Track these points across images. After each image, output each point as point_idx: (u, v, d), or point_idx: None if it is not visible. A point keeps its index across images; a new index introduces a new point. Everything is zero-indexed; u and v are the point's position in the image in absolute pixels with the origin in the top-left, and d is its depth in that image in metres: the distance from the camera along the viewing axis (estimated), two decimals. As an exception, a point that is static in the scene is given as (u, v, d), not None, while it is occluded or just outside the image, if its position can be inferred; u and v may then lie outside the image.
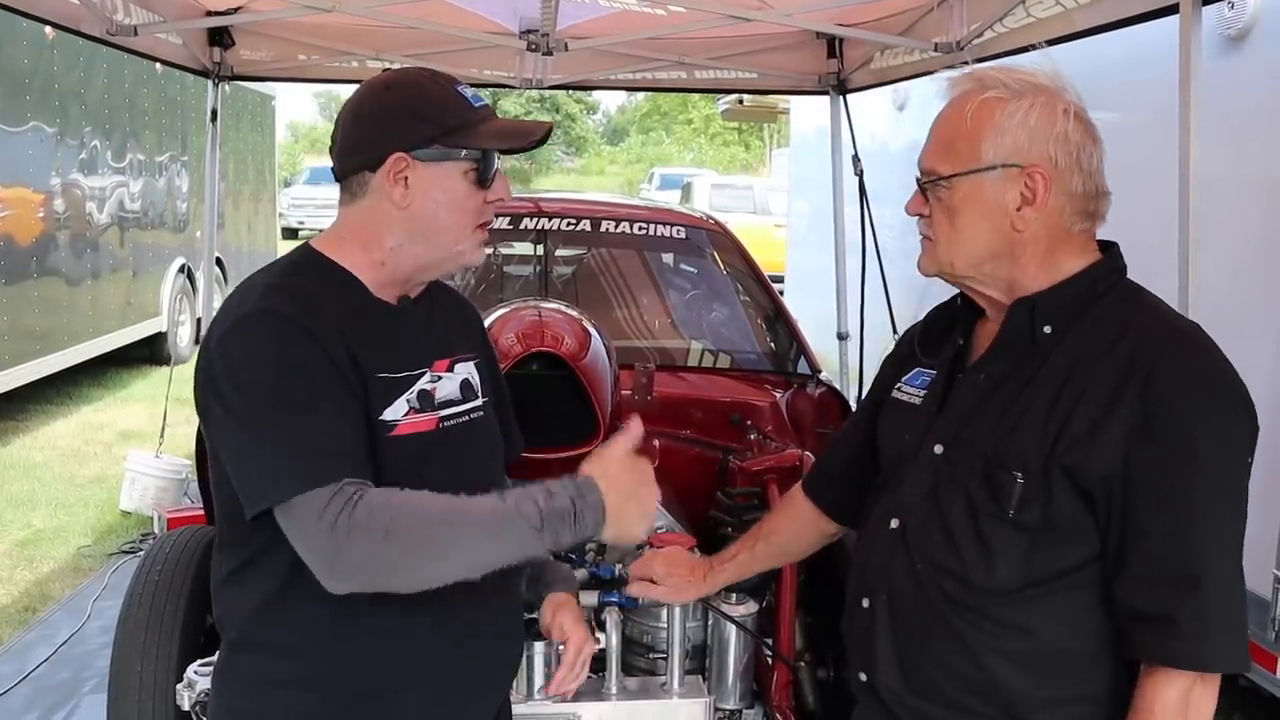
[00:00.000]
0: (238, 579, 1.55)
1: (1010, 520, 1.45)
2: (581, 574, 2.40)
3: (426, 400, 1.57)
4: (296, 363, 1.42)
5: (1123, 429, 1.38)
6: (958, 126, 1.48)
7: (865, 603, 1.61)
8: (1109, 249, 1.55)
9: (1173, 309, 1.53)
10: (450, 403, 1.61)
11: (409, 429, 1.53)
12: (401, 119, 1.51)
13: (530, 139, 1.59)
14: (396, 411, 1.52)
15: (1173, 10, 2.91)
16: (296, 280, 1.53)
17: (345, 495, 1.36)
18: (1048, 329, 1.50)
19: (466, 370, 1.65)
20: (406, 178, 1.51)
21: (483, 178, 1.55)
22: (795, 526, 1.95)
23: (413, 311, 1.61)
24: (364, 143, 1.53)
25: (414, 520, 1.38)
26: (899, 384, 1.70)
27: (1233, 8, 3.53)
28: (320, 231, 1.65)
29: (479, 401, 1.66)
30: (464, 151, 1.53)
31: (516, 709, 2.12)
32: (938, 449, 1.54)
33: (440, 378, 1.60)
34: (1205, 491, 1.38)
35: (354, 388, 1.47)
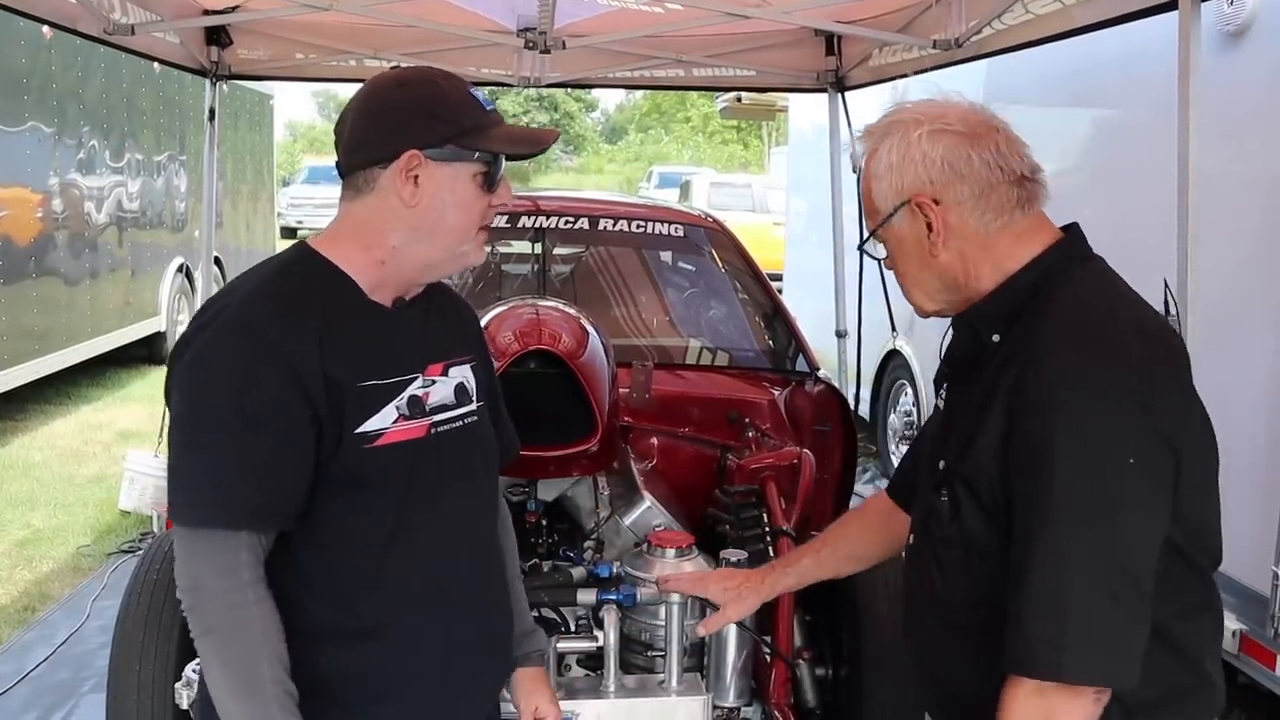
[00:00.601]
0: None
1: (942, 538, 1.46)
2: (579, 572, 2.41)
3: (417, 406, 1.55)
4: (258, 390, 1.41)
5: (995, 434, 1.36)
6: (863, 187, 1.54)
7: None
8: (1066, 232, 1.49)
9: (1111, 293, 1.44)
10: (444, 407, 1.59)
11: (397, 436, 1.51)
12: (416, 116, 1.50)
13: (540, 146, 1.61)
14: (384, 420, 1.50)
15: (1171, 6, 2.91)
16: (287, 286, 1.51)
17: (233, 584, 1.41)
18: (995, 336, 1.47)
19: (461, 374, 1.64)
20: (417, 176, 1.49)
21: (490, 181, 1.55)
22: (866, 530, 1.94)
23: (408, 315, 1.59)
24: (375, 138, 1.51)
25: (232, 658, 1.42)
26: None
27: (1231, 4, 3.52)
28: (319, 230, 1.64)
29: (473, 406, 1.65)
30: (476, 154, 1.52)
31: (511, 709, 2.12)
32: (941, 464, 1.52)
33: (434, 382, 1.58)
34: (1054, 494, 1.30)
35: (322, 412, 1.45)
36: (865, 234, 1.55)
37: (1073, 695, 1.30)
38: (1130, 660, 1.30)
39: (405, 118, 1.50)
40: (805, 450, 2.93)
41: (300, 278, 1.52)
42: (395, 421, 1.51)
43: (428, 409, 1.56)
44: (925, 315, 1.58)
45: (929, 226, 1.46)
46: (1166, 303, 1.59)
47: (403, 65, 5.15)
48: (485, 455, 1.69)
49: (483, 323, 2.67)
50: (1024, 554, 1.33)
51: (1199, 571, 1.44)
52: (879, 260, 1.58)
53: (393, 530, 1.52)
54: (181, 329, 10.14)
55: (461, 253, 1.58)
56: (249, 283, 1.52)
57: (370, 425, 1.49)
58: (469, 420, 1.63)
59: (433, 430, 1.56)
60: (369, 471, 1.49)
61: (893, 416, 6.43)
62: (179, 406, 1.45)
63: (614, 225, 3.86)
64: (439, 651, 1.58)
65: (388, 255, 1.54)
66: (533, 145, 1.59)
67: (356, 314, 1.52)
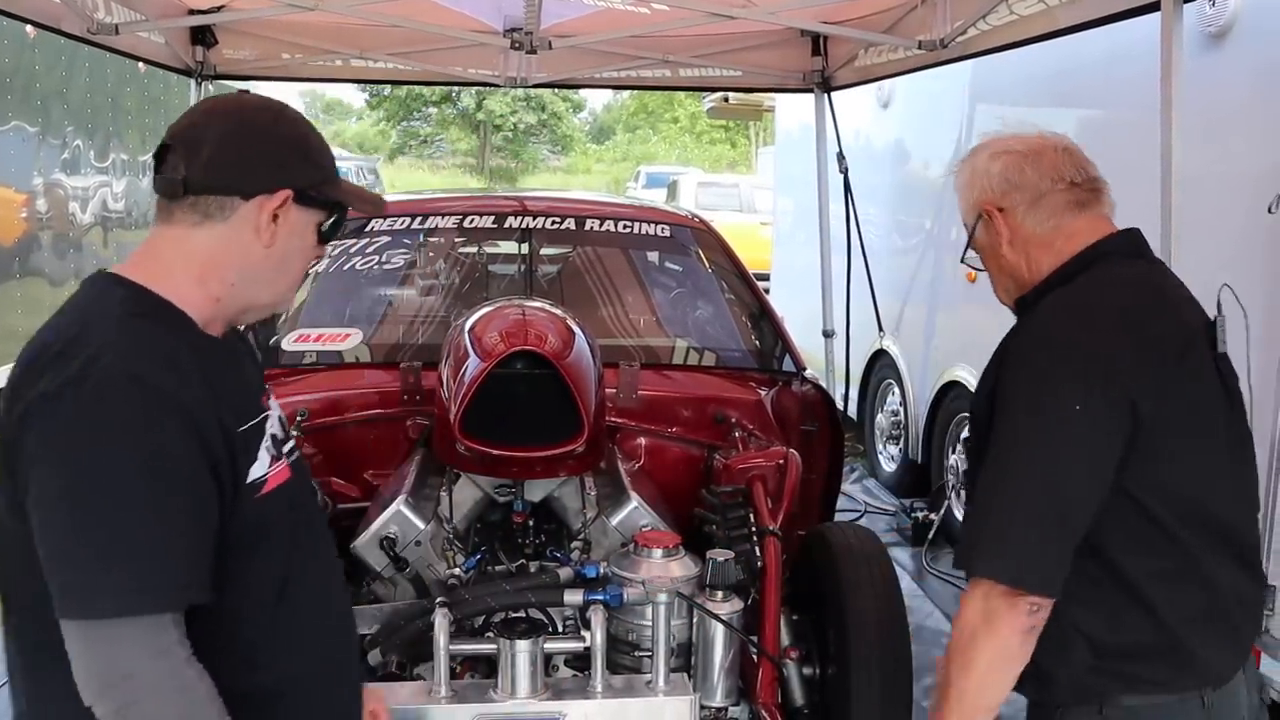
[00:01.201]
0: (51, 658, 1.30)
1: (969, 475, 1.77)
2: (566, 572, 2.41)
3: (277, 444, 1.46)
4: (163, 448, 1.27)
5: (989, 385, 1.64)
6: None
7: None
8: (1119, 233, 1.71)
9: (1117, 282, 1.65)
10: (284, 439, 1.50)
11: (276, 480, 1.42)
12: (295, 155, 1.43)
13: (382, 209, 1.60)
14: (263, 465, 1.40)
15: (1154, 8, 2.93)
16: (149, 329, 1.34)
17: (173, 665, 1.26)
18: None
19: (274, 401, 1.53)
20: (278, 216, 1.40)
21: (329, 232, 1.48)
22: None
23: (236, 348, 1.50)
24: (251, 166, 1.39)
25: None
26: None
27: (1213, 5, 3.55)
28: (122, 260, 1.49)
29: (291, 430, 1.59)
30: (334, 203, 1.47)
31: (499, 707, 2.12)
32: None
33: (269, 414, 1.48)
34: (1009, 428, 1.56)
35: (221, 466, 1.33)
36: (963, 252, 1.83)
37: (1010, 603, 1.50)
38: (1035, 571, 1.50)
39: (285, 153, 1.42)
40: (792, 450, 2.94)
41: (152, 319, 1.36)
42: (270, 465, 1.42)
43: (282, 446, 1.47)
44: (1012, 309, 1.81)
45: (998, 233, 1.72)
46: (1219, 304, 1.71)
47: (405, 66, 5.15)
48: (310, 481, 1.61)
49: (469, 323, 2.68)
50: (982, 477, 1.59)
51: (1181, 545, 1.55)
52: (978, 271, 1.83)
53: (284, 582, 1.44)
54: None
55: (286, 300, 1.51)
56: (99, 328, 1.32)
57: (255, 472, 1.39)
58: (296, 448, 1.54)
59: (291, 466, 1.48)
60: (261, 523, 1.39)
61: (880, 416, 6.44)
62: (66, 477, 1.24)
63: (600, 225, 3.86)
64: (342, 698, 1.55)
65: (225, 293, 1.41)
66: (376, 206, 1.56)
67: (211, 354, 1.40)
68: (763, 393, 3.42)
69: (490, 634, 2.24)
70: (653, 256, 4.09)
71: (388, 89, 37.48)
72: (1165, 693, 1.56)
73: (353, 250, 3.72)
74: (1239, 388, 1.70)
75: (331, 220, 1.48)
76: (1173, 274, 1.79)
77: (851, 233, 5.61)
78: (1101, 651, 1.55)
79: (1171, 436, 1.53)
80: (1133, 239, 1.71)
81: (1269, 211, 3.11)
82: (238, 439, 1.37)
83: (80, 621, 1.25)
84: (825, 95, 5.38)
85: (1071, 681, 1.57)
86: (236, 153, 1.39)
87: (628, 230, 3.90)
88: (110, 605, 1.24)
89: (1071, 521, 1.51)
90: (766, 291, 4.36)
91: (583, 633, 2.24)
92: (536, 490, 2.70)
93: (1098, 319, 1.59)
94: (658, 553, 2.34)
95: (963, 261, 1.83)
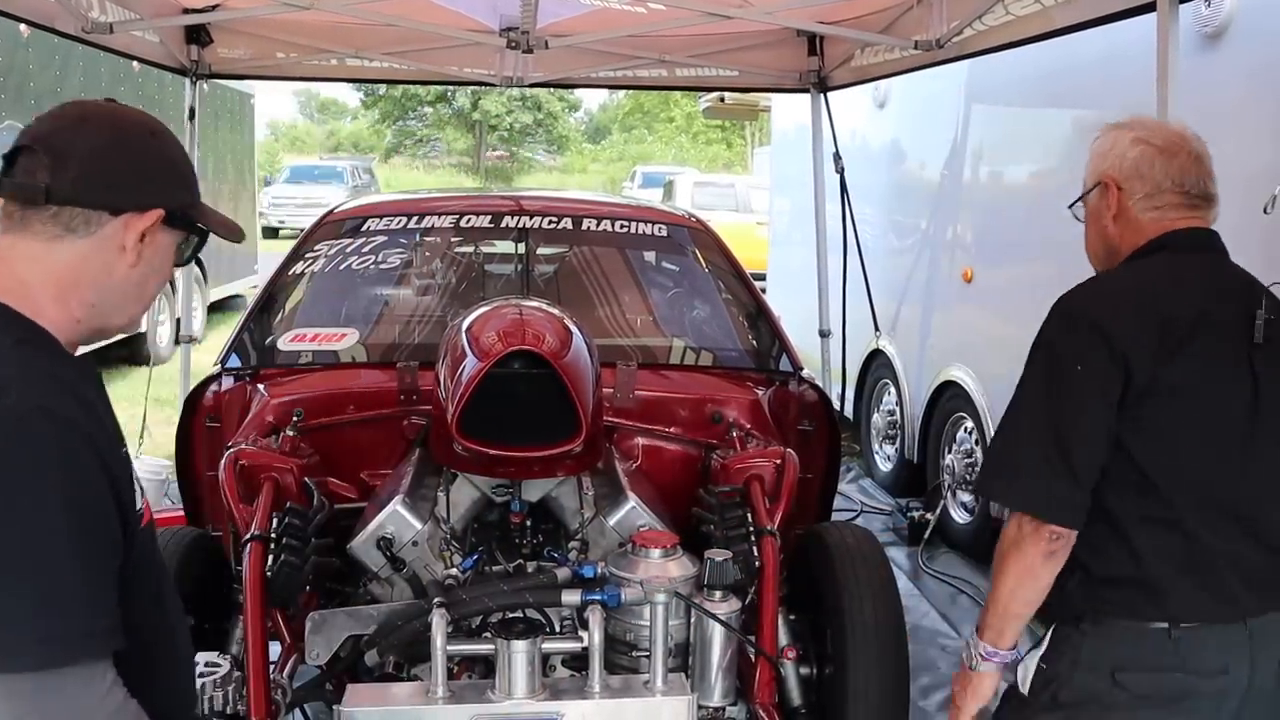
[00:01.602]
0: None
1: None
2: (564, 573, 2.40)
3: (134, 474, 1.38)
4: (81, 484, 1.20)
5: None
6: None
7: None
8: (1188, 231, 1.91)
9: (1147, 267, 1.89)
10: None
11: (147, 511, 1.36)
12: (168, 175, 1.37)
13: (240, 236, 1.49)
14: (139, 495, 1.34)
15: (1150, 8, 2.93)
16: (32, 354, 1.25)
17: (119, 701, 1.21)
18: None
19: None
20: (146, 236, 1.33)
21: (189, 257, 1.43)
22: None
23: (95, 372, 1.41)
24: (127, 181, 1.31)
25: None
26: None
27: (1209, 6, 3.55)
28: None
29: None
30: (197, 228, 1.41)
31: (497, 708, 2.12)
32: None
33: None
34: (1026, 378, 1.83)
35: (123, 497, 1.27)
36: (1075, 199, 2.01)
37: (1035, 529, 1.76)
38: (1037, 501, 1.76)
39: (159, 172, 1.36)
40: (789, 450, 2.94)
41: (33, 345, 1.27)
42: (140, 495, 1.35)
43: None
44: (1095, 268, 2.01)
45: (1108, 205, 1.92)
46: (1264, 302, 1.87)
47: (401, 65, 5.14)
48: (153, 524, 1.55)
49: (466, 323, 2.68)
50: (1002, 419, 1.86)
51: (1167, 502, 1.77)
52: (1081, 220, 2.01)
53: (157, 619, 1.39)
54: (163, 330, 10.03)
55: (134, 324, 1.45)
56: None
57: (138, 503, 1.33)
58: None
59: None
60: (143, 557, 1.33)
61: (876, 416, 6.45)
62: None
63: (597, 225, 3.86)
64: None
65: (84, 314, 1.33)
66: (236, 235, 1.47)
67: (88, 378, 1.34)
68: (760, 392, 3.42)
69: (488, 634, 2.23)
70: (650, 256, 4.09)
71: (383, 88, 37.45)
72: (1133, 619, 1.78)
73: (349, 250, 3.72)
74: None
75: (193, 245, 1.43)
76: (1234, 269, 1.95)
77: (848, 232, 5.61)
78: (1088, 577, 1.80)
79: (1167, 408, 1.76)
80: (1196, 235, 1.91)
81: (1264, 212, 3.12)
82: (127, 467, 1.31)
83: (13, 675, 1.16)
84: (821, 95, 5.38)
85: (1064, 600, 1.82)
86: (110, 166, 1.31)
87: (625, 230, 3.90)
88: (44, 656, 1.16)
89: (1073, 462, 1.74)
90: (763, 291, 4.37)
91: (580, 633, 2.24)
92: (534, 490, 2.70)
93: (1112, 295, 1.86)
94: (655, 553, 2.34)
95: (1069, 208, 2.04)
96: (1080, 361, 1.76)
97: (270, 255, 8.39)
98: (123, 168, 1.32)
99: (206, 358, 4.42)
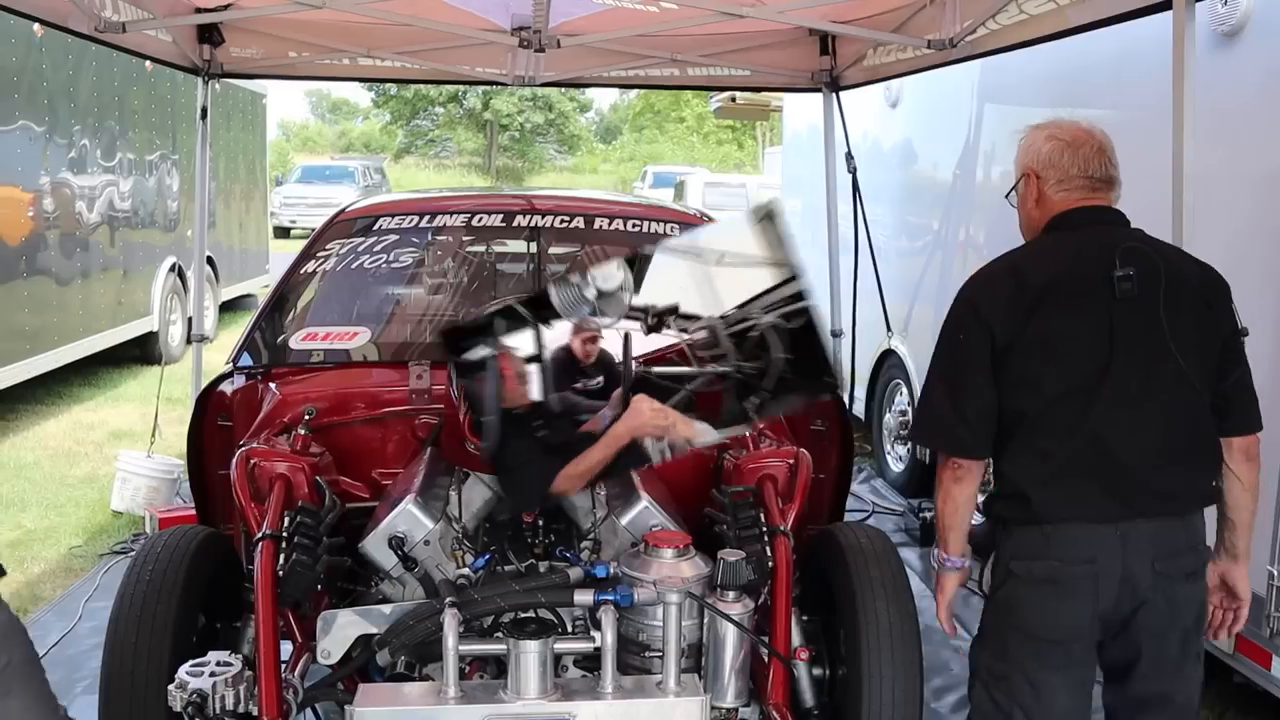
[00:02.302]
0: None
1: None
2: (577, 573, 2.40)
3: None
4: None
5: None
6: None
7: None
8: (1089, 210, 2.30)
9: (1031, 244, 2.36)
10: None
11: None
12: None
13: None
14: None
15: (1165, 7, 2.91)
16: None
17: None
18: None
19: None
20: None
21: None
22: None
23: None
24: None
25: None
26: None
27: (1225, 4, 3.53)
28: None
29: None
30: None
31: (509, 708, 2.12)
32: None
33: None
34: (936, 346, 2.32)
35: None
36: (1009, 189, 2.41)
37: (945, 464, 2.28)
38: (941, 441, 2.30)
39: None
40: (802, 450, 2.93)
41: None
42: None
43: None
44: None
45: (1031, 192, 2.33)
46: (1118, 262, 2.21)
47: (412, 64, 5.14)
48: None
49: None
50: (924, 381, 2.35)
51: (1037, 431, 2.19)
52: (1015, 207, 2.41)
53: None
54: (175, 329, 10.05)
55: None
56: None
57: None
58: None
59: None
60: None
61: (888, 416, 6.43)
62: None
63: (609, 224, 3.85)
64: None
65: None
66: None
67: None
68: (772, 393, 3.40)
69: (500, 634, 2.23)
70: (661, 256, 4.07)
71: (394, 88, 37.53)
72: (1023, 525, 2.24)
73: (360, 249, 3.71)
74: (1158, 336, 2.17)
75: None
76: (1120, 237, 2.24)
77: (859, 232, 5.59)
78: (996, 497, 2.31)
79: (1030, 356, 2.18)
80: (1088, 211, 2.27)
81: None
82: None
83: None
84: (834, 95, 5.37)
85: (994, 516, 2.32)
86: None
87: (636, 229, 3.89)
88: None
89: (964, 409, 2.22)
90: (775, 291, 4.33)
91: (593, 633, 2.23)
92: (545, 490, 2.69)
93: (985, 275, 2.31)
94: (668, 553, 2.33)
95: (1005, 197, 2.44)
96: (961, 331, 2.25)
97: (282, 255, 8.41)
98: None
99: (218, 357, 4.43)
